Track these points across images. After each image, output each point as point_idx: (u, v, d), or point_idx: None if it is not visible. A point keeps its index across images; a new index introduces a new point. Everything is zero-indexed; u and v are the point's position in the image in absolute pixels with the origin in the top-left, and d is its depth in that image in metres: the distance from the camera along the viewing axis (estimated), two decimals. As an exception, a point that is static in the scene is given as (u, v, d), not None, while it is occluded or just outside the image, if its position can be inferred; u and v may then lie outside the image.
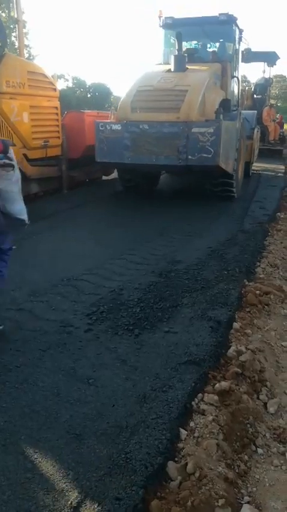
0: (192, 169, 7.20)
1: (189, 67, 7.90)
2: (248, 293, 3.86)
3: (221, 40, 9.31)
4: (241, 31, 9.43)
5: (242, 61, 10.03)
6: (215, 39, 9.51)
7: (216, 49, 9.31)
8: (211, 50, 9.48)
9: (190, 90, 7.27)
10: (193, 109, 7.12)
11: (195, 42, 10.00)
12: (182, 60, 7.92)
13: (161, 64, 8.92)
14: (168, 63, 8.39)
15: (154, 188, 9.22)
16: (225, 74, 8.40)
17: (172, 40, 9.23)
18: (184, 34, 8.24)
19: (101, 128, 7.40)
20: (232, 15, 8.68)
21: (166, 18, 9.17)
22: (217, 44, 9.47)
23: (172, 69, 7.94)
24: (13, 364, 2.80)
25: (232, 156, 7.78)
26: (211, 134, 6.70)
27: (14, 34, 20.85)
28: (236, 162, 8.14)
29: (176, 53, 8.11)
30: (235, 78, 9.33)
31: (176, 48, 8.18)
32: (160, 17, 9.22)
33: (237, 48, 9.46)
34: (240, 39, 9.53)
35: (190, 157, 6.78)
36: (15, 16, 9.40)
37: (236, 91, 9.53)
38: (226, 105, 8.23)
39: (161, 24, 9.30)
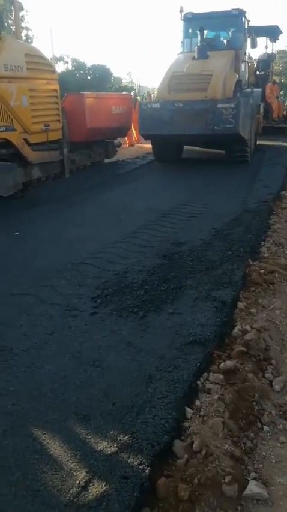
0: (217, 137, 8.78)
1: (209, 54, 9.60)
2: (253, 272, 3.83)
3: (232, 30, 10.80)
4: (248, 21, 10.91)
5: (251, 47, 11.54)
6: (227, 30, 11.02)
7: (229, 38, 10.74)
8: (224, 39, 10.91)
9: (214, 75, 9.08)
10: (217, 89, 8.96)
11: (210, 32, 11.25)
12: (204, 49, 9.70)
13: (183, 52, 10.66)
14: (189, 52, 10.27)
15: (179, 157, 10.64)
16: (238, 59, 10.09)
17: (189, 31, 10.85)
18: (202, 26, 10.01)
19: (143, 107, 9.30)
20: (242, 9, 10.38)
21: (186, 13, 10.72)
22: (230, 34, 10.88)
23: (196, 57, 9.67)
24: (20, 348, 2.82)
25: (248, 126, 9.54)
26: (232, 109, 8.44)
27: (11, 16, 20.53)
28: (250, 132, 9.86)
29: (199, 43, 9.86)
30: (245, 62, 11.07)
31: (199, 39, 9.94)
32: (181, 11, 10.71)
33: (246, 36, 10.90)
34: (248, 28, 10.94)
35: (216, 127, 8.43)
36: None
37: (245, 73, 11.40)
38: (238, 85, 10.00)
39: (181, 18, 10.79)
